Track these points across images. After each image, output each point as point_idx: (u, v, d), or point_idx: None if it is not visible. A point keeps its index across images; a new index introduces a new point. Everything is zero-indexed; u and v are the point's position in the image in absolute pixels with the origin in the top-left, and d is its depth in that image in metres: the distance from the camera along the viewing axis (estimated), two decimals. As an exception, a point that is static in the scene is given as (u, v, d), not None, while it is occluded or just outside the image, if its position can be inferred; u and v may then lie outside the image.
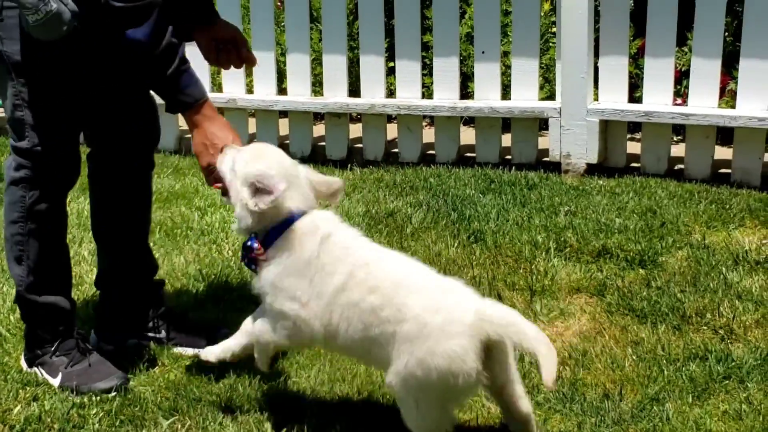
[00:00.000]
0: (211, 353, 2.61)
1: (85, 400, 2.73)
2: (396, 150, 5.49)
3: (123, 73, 2.80)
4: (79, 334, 2.94)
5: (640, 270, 3.61)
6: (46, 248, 2.82)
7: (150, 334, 3.12)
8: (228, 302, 3.43)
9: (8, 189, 2.78)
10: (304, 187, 2.49)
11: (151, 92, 2.97)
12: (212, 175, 2.64)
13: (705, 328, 3.13)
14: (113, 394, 2.75)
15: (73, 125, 2.79)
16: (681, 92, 5.27)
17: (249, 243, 2.47)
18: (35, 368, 2.89)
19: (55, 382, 2.83)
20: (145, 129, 3.02)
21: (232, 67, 3.00)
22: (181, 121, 5.93)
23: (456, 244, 3.90)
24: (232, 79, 5.65)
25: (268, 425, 2.59)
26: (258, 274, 2.47)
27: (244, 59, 2.99)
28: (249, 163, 2.47)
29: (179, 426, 2.61)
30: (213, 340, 3.04)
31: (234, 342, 2.57)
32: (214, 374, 2.88)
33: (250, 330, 2.52)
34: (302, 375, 2.88)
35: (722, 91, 5.05)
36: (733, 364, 2.85)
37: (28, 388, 2.81)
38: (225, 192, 2.55)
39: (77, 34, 2.54)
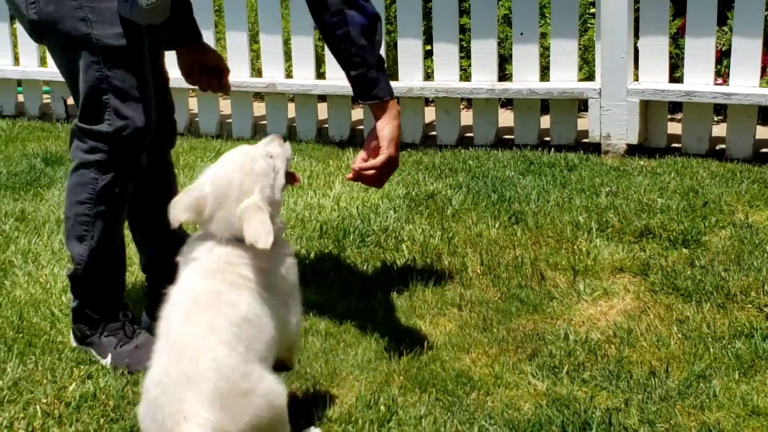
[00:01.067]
0: None
1: (138, 377, 2.78)
2: (434, 133, 5.51)
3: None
4: (125, 315, 3.00)
5: (684, 249, 3.61)
6: (110, 231, 2.88)
7: None
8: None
9: (77, 170, 2.82)
10: None
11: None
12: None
13: (750, 306, 3.13)
14: None
15: (150, 110, 2.84)
16: (721, 72, 5.23)
17: None
18: (85, 347, 2.96)
19: (106, 361, 2.90)
20: (170, 111, 3.11)
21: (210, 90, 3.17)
22: (222, 106, 6.02)
23: (497, 225, 3.92)
24: (272, 63, 5.69)
25: (318, 401, 2.63)
26: None
27: (224, 86, 3.16)
28: None
29: (231, 403, 2.65)
30: None
31: None
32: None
33: None
34: (349, 353, 2.92)
35: (763, 71, 5.01)
36: (780, 341, 2.85)
37: (82, 367, 2.87)
38: None
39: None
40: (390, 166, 2.78)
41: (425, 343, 2.97)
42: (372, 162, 2.75)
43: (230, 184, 2.31)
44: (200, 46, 3.11)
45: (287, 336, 2.37)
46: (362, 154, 2.80)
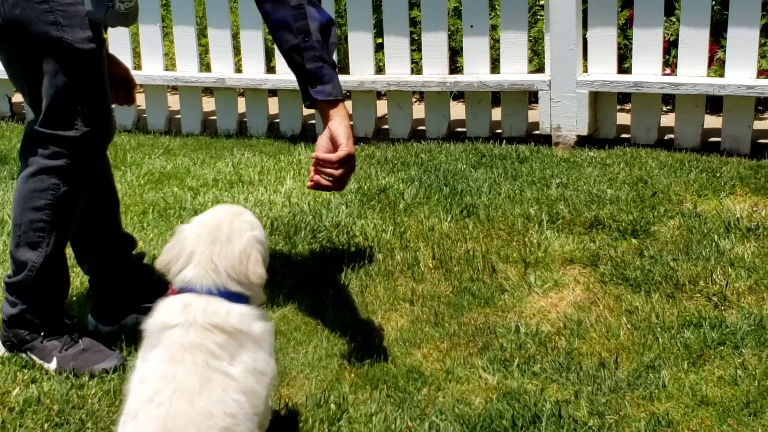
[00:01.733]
0: None
1: (84, 381, 2.73)
2: (386, 126, 5.49)
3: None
4: (68, 317, 2.94)
5: (633, 240, 3.63)
6: (64, 235, 2.83)
7: (147, 305, 3.12)
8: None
9: (36, 176, 2.75)
10: None
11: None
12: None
13: (698, 295, 3.15)
14: (113, 374, 2.75)
15: (111, 114, 2.81)
16: (670, 62, 5.27)
17: None
18: (23, 353, 2.88)
19: (51, 366, 2.83)
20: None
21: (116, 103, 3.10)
22: (171, 102, 5.95)
23: (449, 219, 3.91)
24: (221, 59, 5.63)
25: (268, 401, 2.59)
26: None
27: (130, 98, 3.11)
28: None
29: (179, 404, 2.61)
30: None
31: None
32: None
33: None
34: (300, 351, 2.89)
35: (711, 60, 5.05)
36: (728, 330, 2.87)
37: (26, 371, 2.81)
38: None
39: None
40: (350, 164, 2.69)
41: (376, 340, 2.95)
42: (332, 156, 2.66)
43: (220, 224, 2.23)
44: (109, 57, 3.01)
45: (260, 414, 2.16)
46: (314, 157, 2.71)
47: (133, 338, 2.98)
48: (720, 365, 2.70)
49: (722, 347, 2.79)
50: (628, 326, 2.95)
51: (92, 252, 3.09)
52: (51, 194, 2.75)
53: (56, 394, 2.66)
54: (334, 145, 2.68)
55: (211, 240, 2.20)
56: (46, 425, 2.52)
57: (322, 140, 2.72)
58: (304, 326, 3.05)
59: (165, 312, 2.15)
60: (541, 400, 2.55)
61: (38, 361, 2.85)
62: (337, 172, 2.66)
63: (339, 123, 2.69)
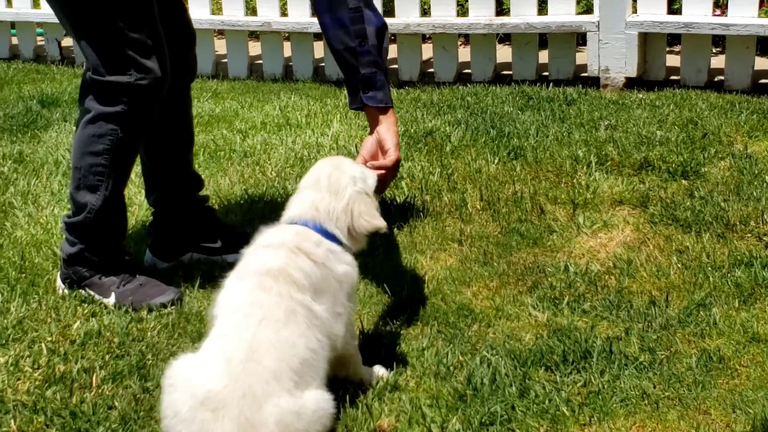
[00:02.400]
0: None
1: (143, 314, 2.80)
2: (432, 70, 5.47)
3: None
4: (127, 254, 3.01)
5: (683, 181, 3.61)
6: (123, 179, 2.89)
7: (205, 245, 3.19)
8: (275, 220, 3.45)
9: (95, 122, 2.79)
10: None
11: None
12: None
13: (749, 235, 3.14)
14: (171, 308, 2.82)
15: (166, 60, 2.82)
16: (720, 2, 5.18)
17: None
18: (82, 290, 2.95)
19: (109, 301, 2.90)
20: (192, 42, 3.10)
21: None
22: (218, 46, 5.97)
23: (496, 161, 3.91)
24: (267, 2, 5.63)
25: (321, 336, 2.65)
26: None
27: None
28: None
29: (235, 338, 2.67)
30: None
31: None
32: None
33: None
34: (360, 279, 2.93)
35: (762, 1, 4.97)
36: (779, 269, 2.87)
37: (85, 305, 2.89)
38: None
39: None
40: (395, 171, 2.71)
41: (426, 278, 2.99)
42: (383, 162, 2.66)
43: (319, 178, 2.35)
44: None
45: (338, 351, 2.26)
46: (360, 159, 2.68)
47: (189, 275, 3.05)
48: (771, 303, 2.70)
49: (773, 286, 2.79)
50: (679, 265, 2.95)
51: (160, 185, 3.15)
52: (109, 140, 2.80)
53: (116, 327, 2.73)
54: (382, 150, 2.69)
55: (315, 191, 2.33)
56: (107, 357, 2.59)
57: (369, 143, 2.72)
58: (358, 264, 3.08)
59: (262, 235, 2.30)
60: (591, 336, 2.57)
61: (97, 296, 2.93)
62: (383, 176, 2.65)
63: (388, 129, 2.71)
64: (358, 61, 2.69)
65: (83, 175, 2.85)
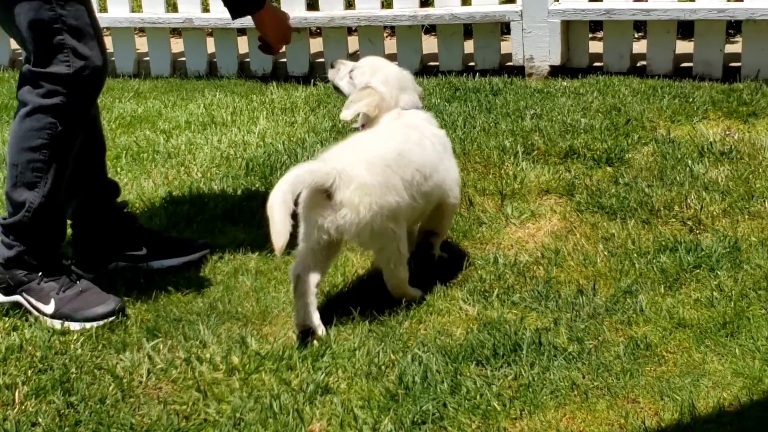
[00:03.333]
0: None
1: (65, 327, 2.73)
2: (358, 62, 5.43)
3: None
4: (66, 259, 2.92)
5: (608, 168, 3.65)
6: (62, 175, 2.78)
7: (130, 253, 3.12)
8: (201, 222, 3.43)
9: (32, 116, 2.70)
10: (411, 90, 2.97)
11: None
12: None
13: (674, 220, 3.18)
14: (110, 319, 2.75)
15: (104, 47, 2.77)
16: (641, -12, 5.24)
17: None
18: (18, 296, 2.84)
19: (48, 308, 2.79)
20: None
21: None
22: (139, 44, 5.86)
23: (424, 153, 3.90)
24: (187, -1, 5.55)
25: (251, 340, 2.61)
26: None
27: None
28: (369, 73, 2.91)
29: (162, 347, 2.62)
30: (190, 250, 3.15)
31: None
32: (192, 293, 2.91)
33: None
34: (281, 290, 2.90)
35: (682, -15, 5.03)
36: (703, 253, 2.90)
37: (6, 319, 2.81)
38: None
39: None
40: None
41: (356, 275, 2.96)
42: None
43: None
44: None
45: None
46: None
47: (113, 285, 2.98)
48: (696, 288, 2.74)
49: (698, 270, 2.83)
50: (605, 253, 2.98)
51: (76, 196, 3.06)
52: (47, 133, 2.70)
53: (38, 340, 2.66)
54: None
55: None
56: (29, 371, 2.53)
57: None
58: (284, 265, 3.04)
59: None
60: (521, 328, 2.58)
61: (35, 302, 2.81)
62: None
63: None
64: None
65: (21, 172, 2.75)
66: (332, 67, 3.01)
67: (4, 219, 2.83)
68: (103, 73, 2.76)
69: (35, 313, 2.81)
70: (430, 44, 5.50)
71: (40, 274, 2.82)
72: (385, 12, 5.26)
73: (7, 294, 2.86)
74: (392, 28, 5.51)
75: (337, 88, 3.02)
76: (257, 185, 3.73)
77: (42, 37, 2.65)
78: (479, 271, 2.93)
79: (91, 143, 3.01)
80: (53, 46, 2.65)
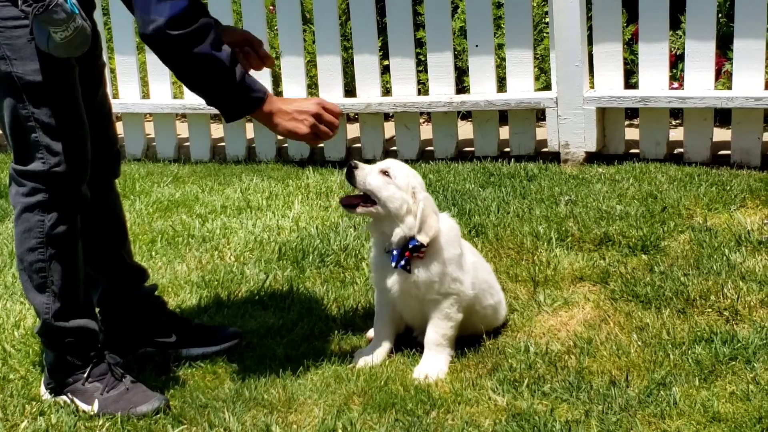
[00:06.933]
0: (441, 370, 2.88)
1: (90, 414, 2.72)
2: (394, 148, 5.48)
3: (206, 93, 2.75)
4: (111, 357, 2.88)
5: (643, 255, 3.60)
6: (69, 270, 2.75)
7: (159, 340, 3.11)
8: (232, 307, 3.43)
9: (21, 217, 2.70)
10: None
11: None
12: (317, 135, 2.79)
13: (710, 310, 3.12)
14: (155, 417, 2.69)
15: (84, 142, 2.73)
16: (677, 76, 5.25)
17: (413, 245, 2.85)
18: (64, 396, 2.81)
19: (91, 408, 2.75)
20: (112, 142, 3.02)
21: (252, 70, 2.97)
22: (180, 130, 5.97)
23: (457, 239, 3.89)
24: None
25: (276, 429, 2.58)
26: (413, 271, 2.88)
27: (264, 58, 3.01)
28: (412, 176, 2.91)
29: (186, 433, 2.60)
30: (221, 340, 3.12)
31: (444, 335, 2.92)
32: (219, 378, 2.90)
33: (447, 315, 2.92)
34: (308, 376, 2.88)
35: (719, 73, 5.04)
36: (739, 344, 2.83)
37: (34, 403, 2.80)
38: (351, 204, 2.93)
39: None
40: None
41: (386, 362, 2.93)
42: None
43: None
44: (224, 28, 2.95)
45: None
46: None
47: (142, 370, 2.98)
48: (732, 380, 2.66)
49: (734, 362, 2.76)
50: (639, 343, 2.92)
51: (102, 281, 3.07)
52: (38, 232, 2.69)
53: (64, 426, 2.65)
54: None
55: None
56: (53, 458, 2.51)
57: None
58: (311, 352, 3.03)
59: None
60: (551, 420, 2.52)
61: (79, 403, 2.77)
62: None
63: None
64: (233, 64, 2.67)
65: (29, 276, 2.74)
66: (355, 168, 2.88)
67: (37, 327, 2.81)
68: (80, 167, 2.71)
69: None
70: (465, 130, 5.53)
71: (85, 375, 2.79)
72: (421, 98, 5.31)
73: (55, 395, 2.83)
74: (428, 114, 5.56)
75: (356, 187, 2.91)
76: (289, 270, 3.73)
77: (17, 135, 2.65)
78: (510, 360, 2.88)
79: (109, 229, 3.02)
80: (28, 144, 2.65)
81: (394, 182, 2.87)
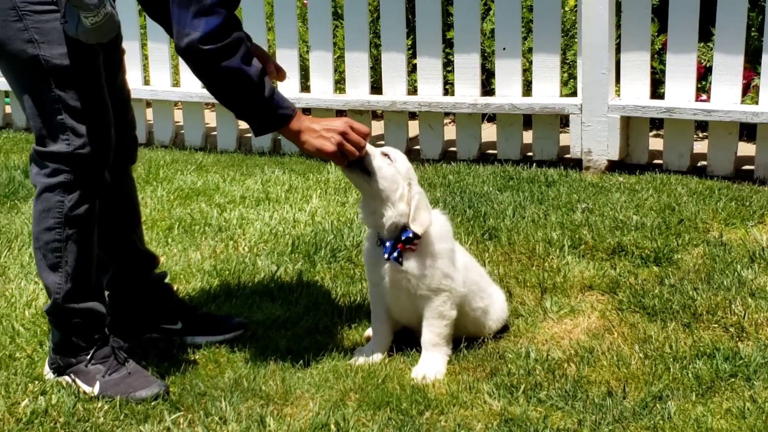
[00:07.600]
0: (439, 371, 2.89)
1: (91, 395, 2.76)
2: (418, 147, 5.49)
3: (234, 107, 2.78)
4: (116, 341, 2.93)
5: (654, 267, 3.58)
6: (83, 252, 2.79)
7: (165, 326, 3.15)
8: (241, 297, 3.46)
9: (41, 196, 2.74)
10: None
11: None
12: (344, 153, 2.78)
13: (715, 325, 3.10)
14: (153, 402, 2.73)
15: (108, 126, 2.78)
16: (705, 88, 5.21)
17: (406, 236, 2.85)
18: (66, 377, 2.85)
19: (92, 390, 2.79)
20: (130, 127, 3.06)
21: None
22: (208, 119, 6.02)
23: (469, 241, 3.90)
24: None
25: (270, 420, 2.60)
26: (404, 264, 2.88)
27: (276, 72, 3.03)
28: (410, 168, 2.94)
29: (182, 420, 2.63)
30: (225, 330, 3.14)
31: (439, 335, 2.94)
32: (220, 367, 2.93)
33: (441, 313, 2.93)
34: (307, 371, 2.90)
35: (747, 87, 4.99)
36: (741, 362, 2.81)
37: (37, 383, 2.85)
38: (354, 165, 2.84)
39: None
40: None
41: (385, 361, 2.95)
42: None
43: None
44: None
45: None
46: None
47: (146, 355, 3.02)
48: (729, 397, 2.64)
49: (734, 379, 2.74)
50: (640, 355, 2.91)
51: (113, 265, 3.11)
52: (57, 212, 2.73)
53: (63, 406, 2.69)
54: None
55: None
56: (50, 437, 2.56)
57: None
58: (314, 346, 3.05)
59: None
60: (542, 428, 2.52)
61: (80, 384, 2.82)
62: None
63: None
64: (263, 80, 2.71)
65: (43, 255, 2.78)
66: (367, 155, 2.85)
67: (47, 306, 2.85)
68: (105, 150, 2.75)
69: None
70: (489, 132, 5.52)
71: (88, 356, 2.83)
72: (447, 99, 5.32)
73: (58, 374, 2.87)
74: (453, 114, 5.56)
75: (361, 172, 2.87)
76: (300, 263, 3.75)
77: (43, 116, 2.70)
78: (509, 365, 2.89)
79: (123, 214, 3.07)
80: (54, 125, 2.69)
81: (395, 165, 2.89)
